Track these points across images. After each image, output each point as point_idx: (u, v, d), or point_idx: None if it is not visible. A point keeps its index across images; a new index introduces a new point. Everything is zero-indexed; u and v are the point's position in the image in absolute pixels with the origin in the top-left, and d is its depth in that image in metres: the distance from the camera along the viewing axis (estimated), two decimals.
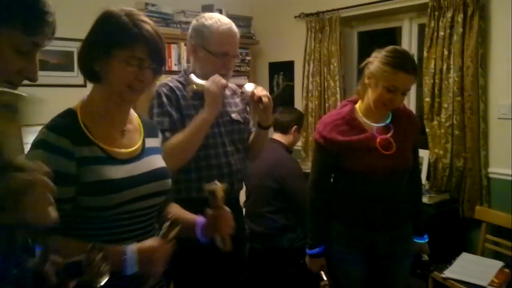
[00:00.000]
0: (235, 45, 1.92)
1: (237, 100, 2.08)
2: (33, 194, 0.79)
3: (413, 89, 3.48)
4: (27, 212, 0.78)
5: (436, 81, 3.16)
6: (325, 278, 2.08)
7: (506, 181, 2.92)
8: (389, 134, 1.93)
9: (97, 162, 1.23)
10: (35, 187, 0.80)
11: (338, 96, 3.84)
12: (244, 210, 2.49)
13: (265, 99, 1.86)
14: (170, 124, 1.82)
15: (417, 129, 2.08)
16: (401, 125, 1.97)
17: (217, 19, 1.90)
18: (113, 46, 1.23)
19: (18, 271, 0.93)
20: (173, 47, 3.84)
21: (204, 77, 1.89)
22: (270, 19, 4.45)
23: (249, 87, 1.93)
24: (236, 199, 2.09)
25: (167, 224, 1.23)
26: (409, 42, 3.64)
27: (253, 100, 1.89)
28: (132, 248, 1.20)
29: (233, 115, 2.01)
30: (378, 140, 1.91)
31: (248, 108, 2.12)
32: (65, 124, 1.24)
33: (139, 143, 1.36)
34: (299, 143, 3.94)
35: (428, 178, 3.27)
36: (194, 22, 1.94)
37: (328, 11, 3.85)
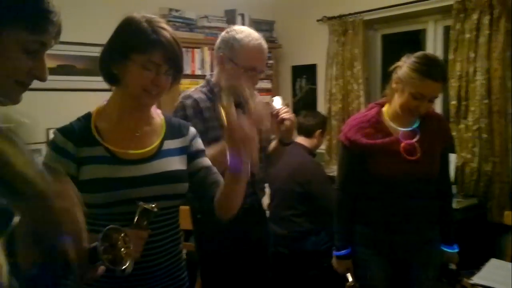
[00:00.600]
0: (263, 61, 1.93)
1: None
2: (71, 219, 0.80)
3: None
4: (62, 242, 0.78)
5: (462, 83, 3.10)
6: (350, 279, 2.07)
7: None
8: (415, 139, 1.90)
9: (99, 161, 1.28)
10: (69, 215, 0.81)
11: (361, 99, 3.81)
12: (268, 213, 2.49)
13: (287, 123, 1.88)
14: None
15: (447, 135, 2.03)
16: (429, 130, 1.94)
17: (248, 33, 1.90)
18: (132, 50, 1.27)
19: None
20: (197, 52, 3.89)
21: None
22: (293, 23, 4.45)
23: (277, 103, 1.94)
24: (260, 204, 2.10)
25: (139, 211, 1.21)
26: (433, 45, 3.59)
27: (276, 119, 1.90)
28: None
29: None
30: (402, 144, 1.89)
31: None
32: (76, 127, 1.32)
33: (154, 145, 1.37)
34: (323, 146, 3.92)
35: (455, 182, 3.21)
36: (224, 33, 1.95)
37: (351, 14, 3.83)
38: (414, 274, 2.00)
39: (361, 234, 2.01)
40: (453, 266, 2.07)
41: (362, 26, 3.77)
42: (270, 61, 4.34)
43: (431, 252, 2.01)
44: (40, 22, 0.85)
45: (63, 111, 1.96)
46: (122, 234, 1.10)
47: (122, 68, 1.29)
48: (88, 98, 2.92)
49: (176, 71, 1.33)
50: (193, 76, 3.85)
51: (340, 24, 3.92)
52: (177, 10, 3.82)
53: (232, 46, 1.89)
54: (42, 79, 0.90)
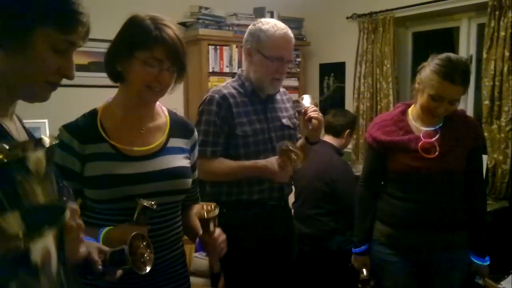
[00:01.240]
0: (290, 50, 1.94)
1: (288, 105, 2.10)
2: (69, 236, 0.84)
3: (471, 92, 3.35)
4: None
5: (496, 83, 3.02)
6: (365, 273, 2.07)
7: None
8: (434, 138, 1.90)
9: (103, 158, 1.31)
10: (72, 231, 0.85)
11: (390, 98, 3.75)
12: (293, 211, 2.49)
13: (315, 122, 1.89)
14: (213, 135, 1.87)
15: (476, 135, 1.98)
16: (452, 130, 1.92)
17: (274, 24, 1.92)
18: (135, 47, 1.29)
19: None
20: (225, 49, 3.91)
21: (258, 80, 1.92)
22: (322, 20, 4.42)
23: (306, 101, 1.95)
24: (286, 202, 2.11)
25: (139, 208, 1.24)
26: (467, 43, 3.50)
27: (304, 117, 1.91)
28: (103, 230, 1.25)
29: (284, 121, 2.02)
30: (421, 142, 1.89)
31: (297, 115, 2.12)
32: (82, 124, 1.34)
33: (158, 142, 1.40)
34: (350, 146, 3.89)
35: (485, 184, 3.13)
36: (251, 26, 1.97)
37: (381, 11, 3.78)
38: (436, 280, 1.97)
39: (380, 232, 2.02)
40: (480, 281, 1.99)
41: (392, 23, 3.71)
42: (298, 59, 4.33)
43: (456, 259, 1.96)
44: (69, 23, 0.88)
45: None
46: (144, 243, 1.15)
47: (126, 65, 1.32)
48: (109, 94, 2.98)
49: (179, 68, 1.36)
50: (221, 73, 3.88)
51: (370, 22, 3.88)
52: (206, 8, 3.86)
53: (259, 37, 1.90)
54: (70, 77, 0.93)
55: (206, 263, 3.08)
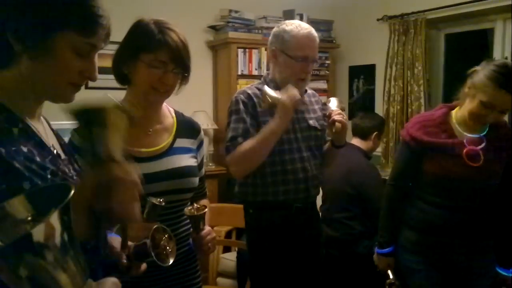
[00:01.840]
0: (314, 49, 1.93)
1: (316, 106, 2.09)
2: (123, 190, 0.88)
3: None
4: (115, 204, 0.87)
5: None
6: (391, 276, 2.04)
7: None
8: (480, 146, 1.84)
9: None
10: (126, 184, 0.89)
11: (422, 101, 3.68)
12: (320, 214, 2.48)
13: (338, 125, 1.87)
14: (243, 131, 1.88)
15: None
16: (496, 139, 1.87)
17: (297, 24, 1.93)
18: (140, 50, 1.35)
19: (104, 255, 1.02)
20: (254, 52, 3.93)
21: (283, 81, 1.92)
22: (352, 23, 4.39)
23: (332, 104, 1.94)
24: (313, 204, 2.10)
25: (148, 206, 1.27)
26: (502, 45, 3.40)
27: (328, 120, 1.91)
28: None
29: (311, 122, 2.01)
30: (466, 149, 1.83)
31: (325, 117, 2.12)
32: None
33: (165, 143, 1.45)
34: (379, 149, 3.84)
35: None
36: (275, 28, 1.99)
37: (413, 13, 3.72)
38: (465, 283, 1.93)
39: (407, 239, 1.98)
40: None
41: (424, 25, 3.64)
42: (327, 62, 4.30)
43: (486, 262, 1.93)
44: (90, 26, 0.90)
45: None
46: (166, 235, 1.18)
47: (132, 68, 1.38)
48: None
49: (183, 69, 1.40)
50: (250, 76, 3.90)
51: (402, 23, 3.82)
52: (236, 11, 3.89)
53: (283, 38, 1.91)
54: (93, 78, 0.96)
55: (233, 265, 3.09)
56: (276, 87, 1.94)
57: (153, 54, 1.35)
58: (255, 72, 3.92)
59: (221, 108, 4.00)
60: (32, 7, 0.86)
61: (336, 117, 1.87)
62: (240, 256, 3.05)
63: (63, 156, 0.99)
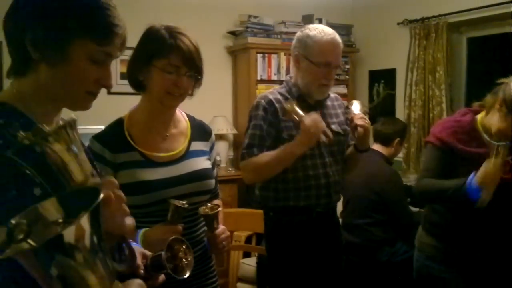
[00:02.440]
0: (337, 55, 1.92)
1: (339, 111, 2.07)
2: (110, 208, 0.87)
3: None
4: (108, 224, 0.84)
5: None
6: None
7: None
8: (510, 158, 1.77)
9: (135, 166, 1.40)
10: (111, 202, 0.88)
11: (443, 105, 3.63)
12: (341, 220, 2.45)
13: (360, 130, 1.84)
14: (259, 139, 1.88)
15: None
16: None
17: (321, 30, 1.92)
18: (153, 56, 1.38)
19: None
20: (273, 57, 3.94)
21: (305, 86, 1.92)
22: (372, 27, 4.36)
23: (355, 107, 1.92)
24: (333, 210, 2.08)
25: (172, 208, 1.31)
26: None
27: (351, 124, 1.89)
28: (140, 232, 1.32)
29: (333, 126, 1.99)
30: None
31: (348, 121, 2.10)
32: (111, 133, 1.44)
33: (182, 146, 1.48)
34: (400, 155, 3.80)
35: None
36: (298, 33, 1.98)
37: (434, 16, 3.67)
38: None
39: (431, 247, 1.94)
40: None
41: (446, 29, 3.60)
42: (347, 66, 4.28)
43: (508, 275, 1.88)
44: (106, 35, 0.91)
45: None
46: (184, 246, 1.20)
47: (146, 74, 1.41)
48: None
49: (196, 72, 1.42)
50: (269, 81, 3.91)
51: (422, 27, 3.78)
52: (255, 17, 3.90)
53: (306, 43, 1.91)
54: (108, 86, 0.97)
55: (253, 270, 3.09)
56: (299, 92, 1.94)
57: (166, 59, 1.37)
58: (274, 77, 3.92)
59: (240, 113, 4.01)
60: (49, 16, 0.88)
61: (358, 122, 1.85)
62: (260, 261, 3.04)
63: None
